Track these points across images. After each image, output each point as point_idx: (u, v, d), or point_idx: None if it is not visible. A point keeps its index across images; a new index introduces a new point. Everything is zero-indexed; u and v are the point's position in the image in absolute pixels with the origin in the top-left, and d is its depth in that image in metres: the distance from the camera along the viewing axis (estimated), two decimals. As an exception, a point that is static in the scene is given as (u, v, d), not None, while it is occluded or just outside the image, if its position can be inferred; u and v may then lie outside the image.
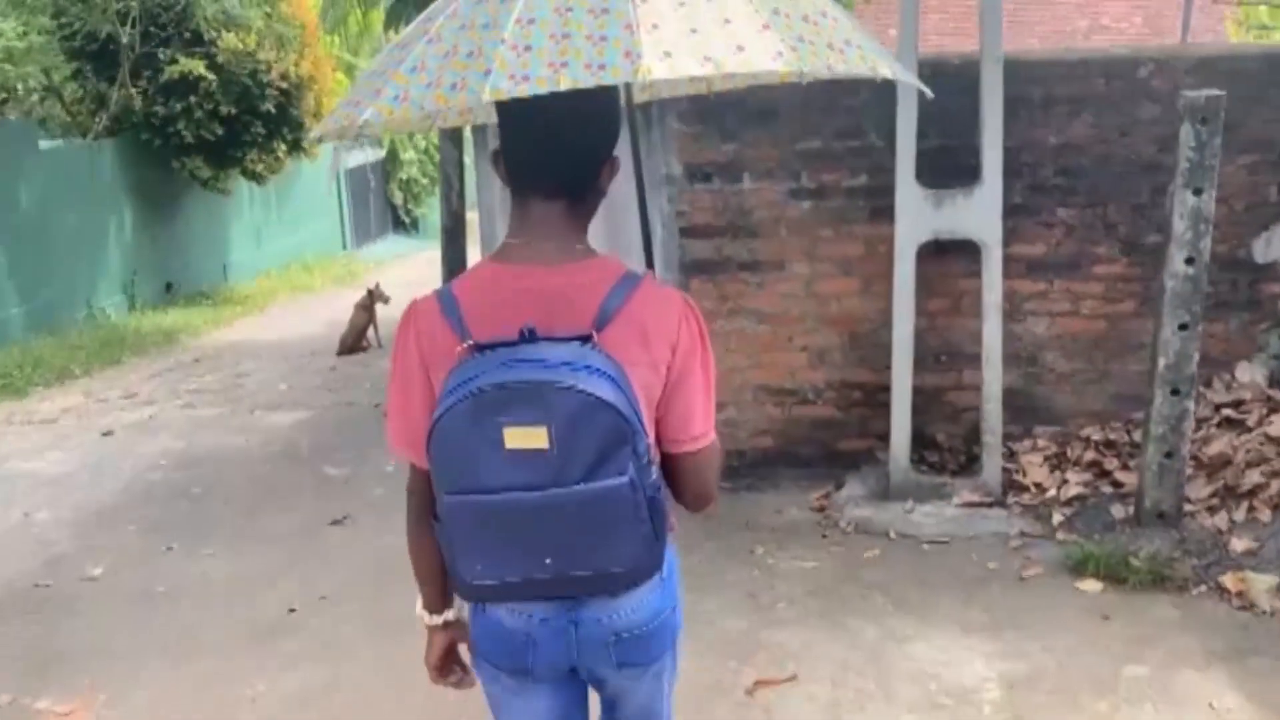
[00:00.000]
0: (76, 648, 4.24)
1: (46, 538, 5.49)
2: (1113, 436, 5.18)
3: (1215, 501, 4.62)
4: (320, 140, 2.47)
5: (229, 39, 12.51)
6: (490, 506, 1.61)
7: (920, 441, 5.30)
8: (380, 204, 21.64)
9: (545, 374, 1.56)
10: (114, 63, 12.34)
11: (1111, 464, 5.01)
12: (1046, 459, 5.18)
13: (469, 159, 8.05)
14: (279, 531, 5.44)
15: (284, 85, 13.10)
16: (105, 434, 7.47)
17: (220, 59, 12.51)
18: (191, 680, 3.95)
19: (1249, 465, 4.63)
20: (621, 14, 1.53)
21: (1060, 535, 4.68)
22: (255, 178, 14.08)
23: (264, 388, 8.80)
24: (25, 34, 11.69)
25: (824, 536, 4.92)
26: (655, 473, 1.67)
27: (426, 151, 21.14)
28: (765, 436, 5.58)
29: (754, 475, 5.55)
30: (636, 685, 1.93)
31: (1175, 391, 4.33)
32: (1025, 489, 5.05)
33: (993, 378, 5.00)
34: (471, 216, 7.76)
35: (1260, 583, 4.08)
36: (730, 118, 5.21)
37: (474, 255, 6.70)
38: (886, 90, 4.83)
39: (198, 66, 12.28)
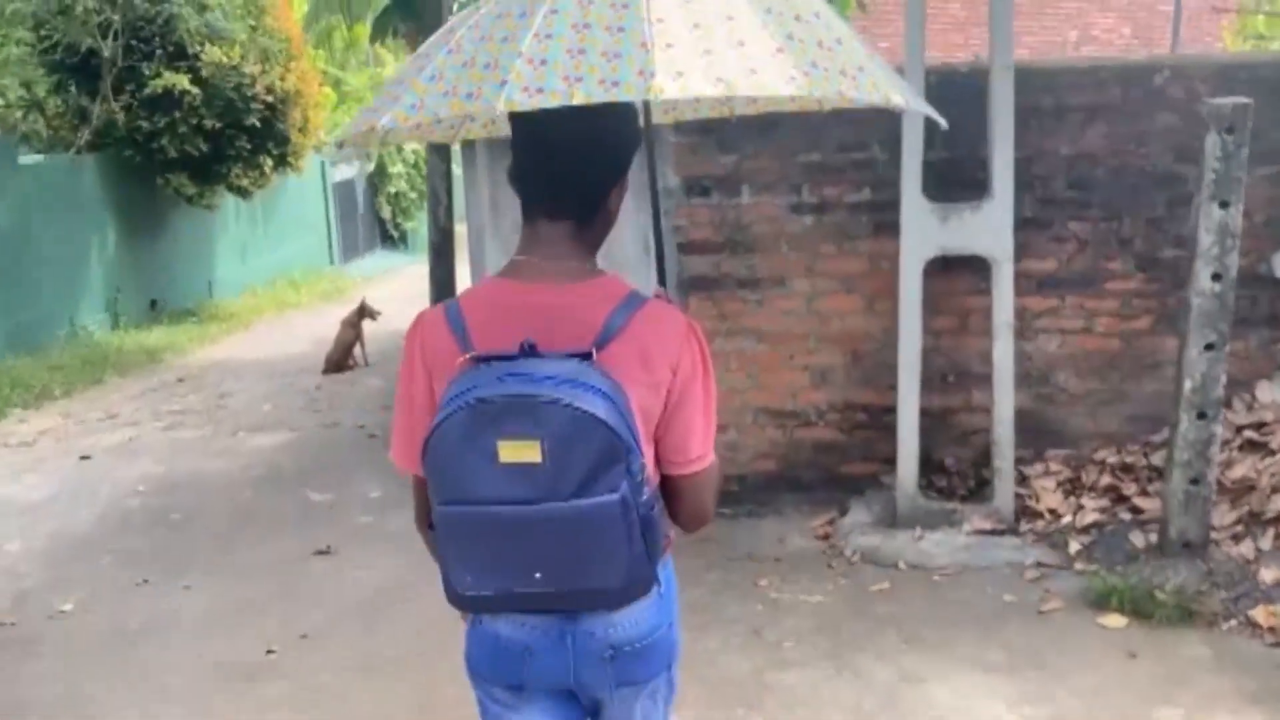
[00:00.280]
0: (38, 697, 3.99)
1: (16, 570, 5.25)
2: (1129, 460, 4.97)
3: (1240, 529, 4.41)
4: (341, 147, 2.51)
5: (213, 52, 12.26)
6: (482, 517, 1.62)
7: (927, 465, 5.09)
8: (368, 218, 21.37)
9: (540, 389, 1.57)
10: (96, 76, 12.10)
11: (1129, 489, 4.80)
12: (1060, 484, 4.97)
13: (457, 169, 7.81)
14: (259, 562, 5.21)
15: (269, 99, 12.85)
16: (83, 457, 7.23)
17: (204, 73, 12.27)
18: (161, 730, 3.71)
19: (1274, 490, 4.43)
20: (637, 33, 1.55)
21: (1079, 565, 4.47)
22: (241, 193, 13.84)
23: (248, 408, 8.57)
24: (3, 46, 11.44)
25: (829, 567, 4.71)
26: (650, 492, 1.67)
27: (415, 165, 20.90)
28: (766, 460, 5.38)
29: (754, 500, 5.35)
30: (633, 706, 1.91)
31: (1201, 415, 4.12)
32: (1039, 515, 4.84)
33: (1004, 400, 4.79)
34: (461, 229, 7.55)
35: (1293, 617, 3.87)
36: (729, 129, 5.01)
37: (463, 272, 6.48)
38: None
39: (181, 80, 12.04)
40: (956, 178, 4.86)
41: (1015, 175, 4.69)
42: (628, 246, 5.08)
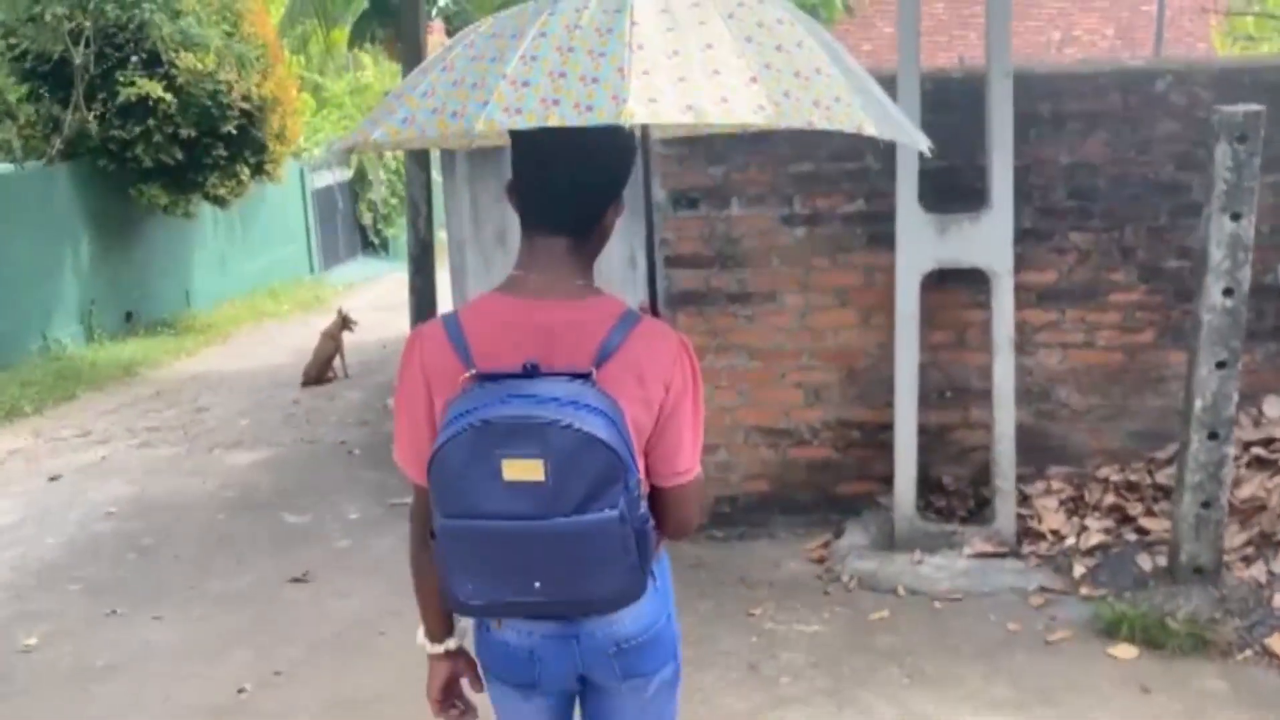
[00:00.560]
0: (-2, 741, 3.80)
1: (-21, 602, 5.04)
2: (1134, 478, 4.81)
3: (1251, 550, 4.25)
4: (349, 151, 2.51)
5: (187, 59, 11.99)
6: (485, 531, 1.68)
7: (925, 484, 4.92)
8: (349, 225, 21.10)
9: (544, 411, 1.63)
10: (68, 84, 11.84)
11: (1135, 509, 4.64)
12: (1062, 503, 4.81)
13: (437, 176, 7.59)
14: (233, 591, 5.01)
15: (246, 106, 12.61)
16: (53, 478, 7.01)
17: (179, 80, 12.02)
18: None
19: (1286, 510, 4.27)
20: (616, 58, 1.59)
21: (1084, 590, 4.31)
22: (218, 201, 13.58)
23: (224, 424, 8.34)
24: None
25: (826, 593, 4.53)
26: (644, 506, 1.74)
27: (396, 171, 20.69)
28: (758, 480, 5.21)
29: (747, 522, 5.18)
30: (644, 696, 1.97)
31: (1213, 435, 3.95)
32: (1041, 537, 4.67)
33: (1004, 417, 4.63)
34: (441, 236, 7.36)
35: (1310, 646, 3.72)
36: (717, 140, 4.83)
37: (444, 284, 6.28)
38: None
39: (155, 88, 11.79)
40: (953, 187, 4.70)
41: (1014, 184, 4.53)
42: (613, 260, 4.90)
